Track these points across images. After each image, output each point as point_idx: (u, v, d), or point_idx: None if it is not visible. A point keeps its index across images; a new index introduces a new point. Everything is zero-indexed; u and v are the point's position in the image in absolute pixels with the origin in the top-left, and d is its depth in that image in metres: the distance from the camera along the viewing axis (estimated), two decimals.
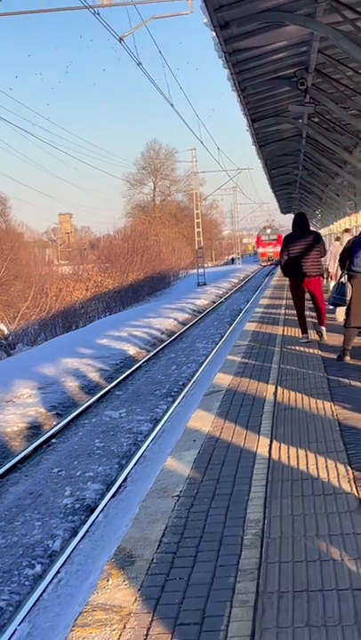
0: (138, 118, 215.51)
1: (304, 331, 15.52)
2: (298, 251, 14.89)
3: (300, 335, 15.62)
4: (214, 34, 13.47)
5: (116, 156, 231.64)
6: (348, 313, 12.87)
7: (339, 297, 14.03)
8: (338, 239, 20.96)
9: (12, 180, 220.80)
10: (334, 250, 18.91)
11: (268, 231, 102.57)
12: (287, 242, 15.25)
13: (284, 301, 25.80)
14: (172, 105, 30.78)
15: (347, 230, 19.56)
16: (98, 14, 19.23)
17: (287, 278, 15.87)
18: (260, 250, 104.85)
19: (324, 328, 15.33)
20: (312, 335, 15.57)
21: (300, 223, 15.33)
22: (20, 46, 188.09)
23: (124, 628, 4.24)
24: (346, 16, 13.39)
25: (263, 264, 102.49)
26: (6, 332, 47.17)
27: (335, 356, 13.17)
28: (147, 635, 4.14)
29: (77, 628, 4.31)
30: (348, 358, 12.79)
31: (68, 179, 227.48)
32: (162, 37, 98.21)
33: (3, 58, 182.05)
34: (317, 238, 15.11)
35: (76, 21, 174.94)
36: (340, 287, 13.90)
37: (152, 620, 4.30)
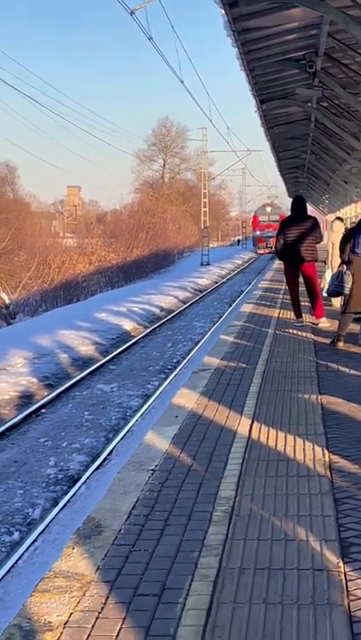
0: (149, 94, 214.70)
1: (298, 315, 15.53)
2: (294, 235, 14.87)
3: (295, 319, 15.62)
4: (223, 11, 13.41)
5: (127, 132, 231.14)
6: (348, 299, 12.80)
7: (338, 284, 13.90)
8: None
9: (22, 150, 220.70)
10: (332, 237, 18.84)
11: (269, 210, 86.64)
12: (284, 226, 15.24)
13: (283, 285, 25.76)
14: (182, 82, 30.65)
15: (339, 218, 19.49)
16: None
17: None
18: (257, 233, 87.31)
19: (320, 320, 15.24)
20: (307, 319, 15.58)
21: (299, 207, 15.32)
22: (29, 16, 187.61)
23: (84, 595, 4.28)
24: (356, 0, 13.31)
25: (260, 252, 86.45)
26: (7, 300, 47.21)
27: (328, 341, 13.18)
28: (105, 603, 4.18)
29: (37, 594, 4.35)
30: (340, 344, 12.78)
31: (78, 152, 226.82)
32: (174, 14, 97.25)
33: (18, 32, 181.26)
34: (314, 224, 15.09)
35: None
36: (340, 275, 13.79)
37: (111, 589, 4.33)
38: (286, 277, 15.83)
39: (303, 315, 15.61)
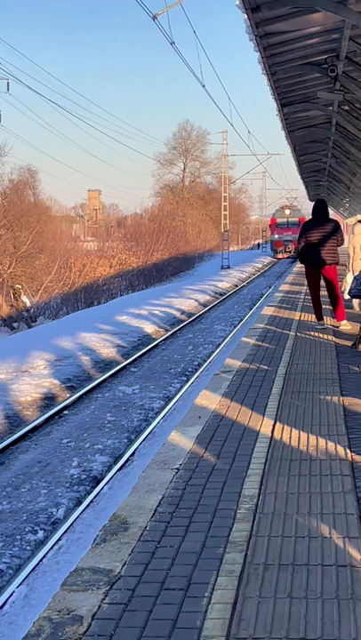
0: (170, 98, 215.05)
1: (320, 317, 15.56)
2: (316, 238, 14.91)
3: (316, 321, 15.66)
4: (245, 16, 13.51)
5: (147, 135, 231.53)
6: None
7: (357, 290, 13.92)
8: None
9: (44, 154, 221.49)
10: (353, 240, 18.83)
11: (288, 212, 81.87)
12: (305, 228, 15.27)
13: (304, 288, 25.81)
14: (203, 86, 30.78)
15: (360, 222, 19.52)
16: None
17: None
18: (275, 237, 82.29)
19: (341, 323, 15.28)
20: (328, 321, 15.63)
21: (320, 211, 15.34)
22: (53, 21, 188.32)
23: (111, 588, 4.37)
24: None
25: (278, 256, 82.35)
26: (29, 304, 47.44)
27: (350, 344, 13.22)
28: (132, 596, 4.26)
29: (66, 587, 4.44)
30: None
31: (99, 155, 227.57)
32: (196, 18, 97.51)
33: (33, 30, 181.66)
34: (336, 227, 15.12)
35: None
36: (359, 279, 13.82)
37: (139, 584, 4.42)
38: (307, 280, 15.85)
39: (324, 317, 15.65)
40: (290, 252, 77.43)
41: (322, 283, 15.50)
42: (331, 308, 15.72)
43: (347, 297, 15.70)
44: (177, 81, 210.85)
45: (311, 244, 14.96)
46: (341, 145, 29.76)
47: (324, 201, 16.00)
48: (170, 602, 4.19)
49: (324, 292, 15.62)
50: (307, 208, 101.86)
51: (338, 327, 15.20)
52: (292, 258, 73.70)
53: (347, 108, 22.90)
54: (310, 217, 15.62)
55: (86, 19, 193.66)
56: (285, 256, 79.81)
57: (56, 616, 4.10)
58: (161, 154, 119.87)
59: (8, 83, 51.87)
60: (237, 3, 13.01)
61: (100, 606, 4.17)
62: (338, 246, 15.09)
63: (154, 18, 21.24)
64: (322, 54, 17.94)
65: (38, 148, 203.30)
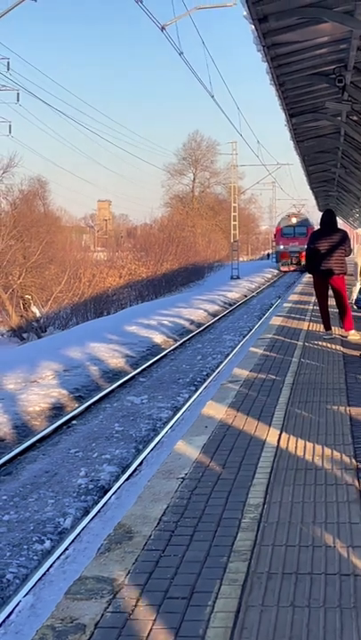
0: (179, 108, 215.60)
1: (328, 327, 15.54)
2: (324, 248, 14.92)
3: (324, 331, 15.64)
4: (253, 27, 13.56)
5: (157, 146, 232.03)
6: None
7: None
8: None
9: (54, 164, 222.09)
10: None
11: (294, 220, 73.53)
12: (313, 238, 15.30)
13: (312, 298, 25.80)
14: (212, 96, 30.84)
15: None
16: (141, 2, 19.31)
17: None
18: (281, 247, 73.23)
19: (349, 333, 15.28)
20: (336, 331, 15.62)
21: (328, 221, 15.35)
22: (62, 31, 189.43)
23: (114, 597, 4.38)
24: None
25: (283, 268, 73.42)
26: (38, 314, 47.51)
27: (357, 354, 13.22)
28: (135, 605, 4.27)
29: (69, 596, 4.46)
30: None
31: (109, 166, 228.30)
32: (205, 29, 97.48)
33: (42, 41, 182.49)
34: (344, 237, 15.15)
35: (118, 8, 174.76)
36: None
37: (142, 592, 4.43)
38: (315, 289, 15.85)
39: (333, 327, 15.63)
40: (297, 264, 69.22)
41: (330, 292, 15.50)
42: (339, 317, 15.71)
43: (355, 307, 15.67)
44: (186, 91, 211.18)
45: (319, 254, 14.98)
46: (350, 155, 29.79)
47: (332, 211, 16.03)
48: (173, 610, 4.20)
49: (333, 302, 15.61)
50: (316, 218, 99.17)
51: (346, 337, 15.18)
52: (300, 271, 63.86)
53: (355, 118, 22.92)
54: (318, 226, 15.65)
55: (95, 29, 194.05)
56: (292, 269, 71.28)
57: (59, 624, 4.12)
58: (171, 164, 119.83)
59: (18, 94, 52.34)
60: (245, 13, 13.07)
61: (102, 615, 4.18)
62: (346, 256, 15.10)
63: (162, 29, 21.32)
64: (330, 64, 17.99)
65: (48, 158, 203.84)
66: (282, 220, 76.57)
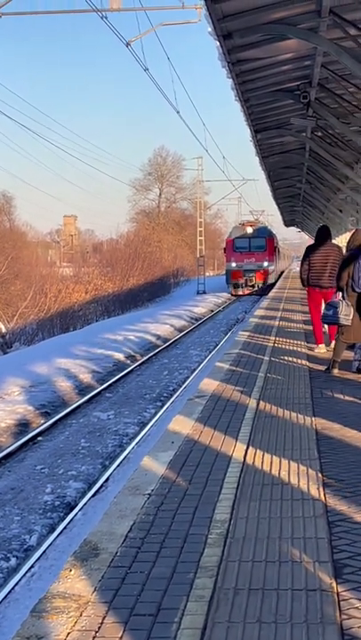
0: (144, 124, 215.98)
1: (320, 341, 15.70)
2: (319, 262, 15.26)
3: (316, 345, 15.73)
4: (218, 43, 13.62)
5: (123, 161, 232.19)
6: (347, 328, 12.61)
7: (334, 315, 13.27)
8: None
9: (19, 180, 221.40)
10: None
11: (250, 230, 58.70)
12: (309, 252, 15.62)
13: (279, 313, 25.92)
14: (178, 112, 30.98)
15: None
16: (106, 18, 19.38)
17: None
18: (233, 265, 58.26)
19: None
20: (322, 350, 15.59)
21: (323, 235, 15.65)
22: (27, 47, 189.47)
23: (81, 615, 4.35)
24: (349, 32, 13.54)
25: (237, 292, 58.65)
26: (4, 330, 47.25)
27: (323, 368, 13.27)
28: (102, 623, 4.25)
29: (35, 614, 4.42)
30: (335, 371, 12.86)
31: (75, 181, 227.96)
32: (170, 44, 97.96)
33: (7, 57, 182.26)
34: (338, 252, 15.34)
35: (83, 24, 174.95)
36: (340, 304, 13.02)
37: (108, 610, 4.40)
38: (309, 303, 16.19)
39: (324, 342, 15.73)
40: (253, 285, 57.59)
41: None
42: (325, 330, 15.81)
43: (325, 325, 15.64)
44: (152, 107, 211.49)
45: (314, 269, 15.32)
46: (316, 171, 29.97)
47: (328, 226, 16.36)
48: (140, 627, 4.18)
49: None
50: (282, 233, 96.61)
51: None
52: (258, 295, 53.19)
53: (320, 134, 23.11)
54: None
55: (60, 46, 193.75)
56: (247, 292, 58.01)
57: None
58: (137, 179, 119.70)
59: None
60: (209, 30, 13.12)
61: (69, 633, 4.15)
62: None
63: (127, 44, 21.38)
64: (294, 81, 18.12)
65: (14, 174, 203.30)
66: (234, 230, 61.80)
